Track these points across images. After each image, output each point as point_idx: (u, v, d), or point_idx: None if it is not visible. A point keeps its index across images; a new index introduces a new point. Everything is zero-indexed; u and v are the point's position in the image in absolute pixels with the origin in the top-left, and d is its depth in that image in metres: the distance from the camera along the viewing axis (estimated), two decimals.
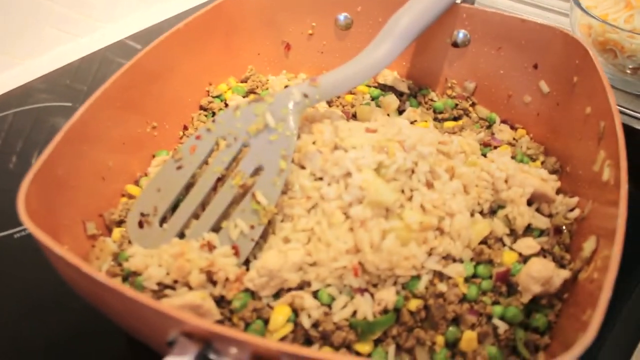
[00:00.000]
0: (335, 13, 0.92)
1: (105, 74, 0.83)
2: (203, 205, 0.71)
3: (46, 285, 0.76)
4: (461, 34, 0.88)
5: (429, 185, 0.67)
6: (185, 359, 0.47)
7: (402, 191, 0.66)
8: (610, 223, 0.58)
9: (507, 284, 0.65)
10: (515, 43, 0.85)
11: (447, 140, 0.72)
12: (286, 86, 0.86)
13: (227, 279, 0.63)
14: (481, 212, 0.71)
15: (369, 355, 0.61)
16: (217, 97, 0.91)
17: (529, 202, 0.72)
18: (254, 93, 0.92)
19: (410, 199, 0.66)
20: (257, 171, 0.69)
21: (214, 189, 0.71)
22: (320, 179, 0.68)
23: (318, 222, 0.65)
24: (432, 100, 0.91)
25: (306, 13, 0.93)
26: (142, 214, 0.72)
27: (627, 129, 0.67)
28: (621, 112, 0.96)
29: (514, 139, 0.86)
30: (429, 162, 0.67)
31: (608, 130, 0.67)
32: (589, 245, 0.62)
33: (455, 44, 0.89)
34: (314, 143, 0.71)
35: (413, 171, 0.67)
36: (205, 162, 0.73)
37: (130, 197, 0.77)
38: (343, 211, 0.65)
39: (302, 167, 0.70)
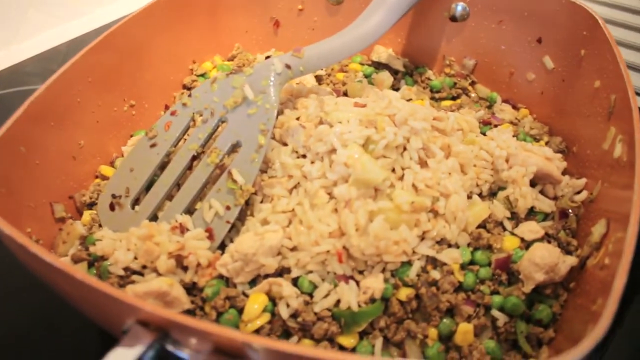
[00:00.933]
0: None
1: None
2: (178, 185, 0.64)
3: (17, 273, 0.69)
4: (460, 7, 0.81)
5: (422, 163, 0.60)
6: (136, 350, 0.40)
7: (393, 169, 0.59)
8: (622, 203, 0.50)
9: (507, 272, 0.57)
10: (517, 15, 0.77)
11: (442, 116, 0.65)
12: (267, 57, 0.79)
13: (198, 264, 0.56)
14: (480, 194, 0.64)
15: (354, 349, 0.53)
16: (202, 75, 0.84)
17: (533, 183, 0.64)
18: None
19: (401, 178, 0.59)
20: (234, 148, 0.62)
21: (190, 168, 0.64)
22: (304, 156, 0.61)
23: (300, 202, 0.58)
24: (428, 79, 0.84)
25: None
26: (114, 196, 0.65)
27: None
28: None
29: (516, 118, 0.79)
30: (422, 139, 0.60)
31: (620, 103, 0.60)
32: (598, 229, 0.55)
33: (453, 18, 0.82)
34: (297, 119, 0.64)
35: (405, 148, 0.60)
36: (183, 139, 0.66)
37: (104, 178, 0.71)
38: (327, 191, 0.58)
39: (284, 144, 0.63)
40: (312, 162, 0.60)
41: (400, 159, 0.59)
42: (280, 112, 0.65)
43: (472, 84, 0.84)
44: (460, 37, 0.83)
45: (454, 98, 0.82)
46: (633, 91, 0.58)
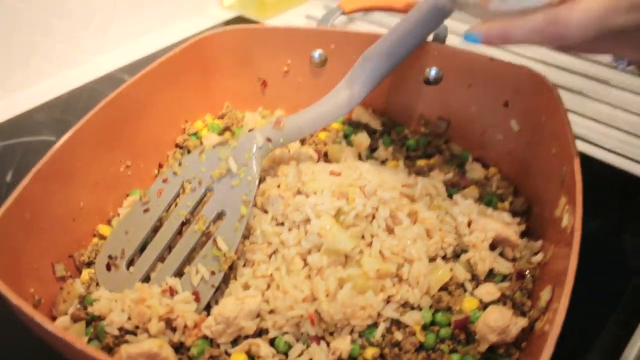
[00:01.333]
0: (310, 50, 0.93)
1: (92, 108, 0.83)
2: (170, 248, 0.72)
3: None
4: (433, 71, 0.88)
5: (390, 230, 0.68)
6: None
7: (363, 237, 0.67)
8: (563, 274, 0.57)
9: (465, 332, 0.64)
10: (485, 81, 0.85)
11: (411, 183, 0.72)
12: (250, 130, 0.87)
13: (185, 326, 0.64)
14: (445, 256, 0.71)
15: None
16: (194, 134, 0.92)
17: (494, 246, 0.72)
18: (229, 130, 0.92)
19: (370, 244, 0.66)
20: (219, 216, 0.69)
21: (180, 232, 0.72)
22: (282, 224, 0.68)
23: (277, 268, 0.65)
24: (405, 137, 0.91)
25: (281, 51, 0.94)
26: (110, 257, 0.73)
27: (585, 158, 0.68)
28: (580, 138, 0.97)
29: (485, 177, 0.86)
30: (390, 207, 0.67)
31: (568, 175, 0.67)
32: (545, 295, 0.62)
33: (427, 81, 0.89)
34: (278, 186, 0.72)
35: (374, 216, 0.67)
36: (174, 204, 0.74)
37: (102, 237, 0.78)
38: (302, 257, 0.65)
39: (265, 211, 0.70)
40: (290, 230, 0.67)
41: (369, 226, 0.67)
42: (262, 179, 0.73)
43: (446, 142, 0.91)
44: (435, 98, 0.91)
45: (428, 156, 0.90)
46: (579, 167, 0.65)
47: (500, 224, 0.71)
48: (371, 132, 0.92)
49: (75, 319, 0.68)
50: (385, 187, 0.68)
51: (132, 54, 1.35)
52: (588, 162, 0.88)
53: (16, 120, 1.15)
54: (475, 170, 0.87)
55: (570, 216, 0.63)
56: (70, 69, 1.30)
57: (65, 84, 1.25)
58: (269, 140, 0.71)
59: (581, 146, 0.97)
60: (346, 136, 0.90)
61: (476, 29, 0.54)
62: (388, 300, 0.64)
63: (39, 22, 1.19)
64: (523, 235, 0.76)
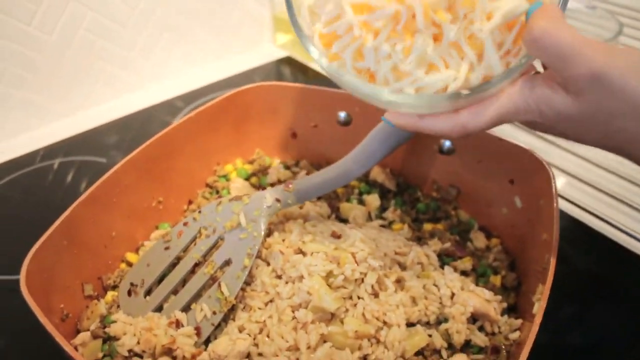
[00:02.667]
0: (336, 110, 1.03)
1: (148, 132, 0.93)
2: (184, 283, 0.83)
3: None
4: (447, 143, 0.97)
5: (375, 294, 0.76)
6: None
7: (351, 297, 0.76)
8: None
9: None
10: (493, 158, 0.92)
11: (404, 252, 0.81)
12: (264, 188, 0.98)
13: (184, 357, 0.74)
14: (428, 322, 0.79)
15: None
16: (223, 176, 1.03)
17: (475, 318, 0.79)
18: (256, 176, 1.03)
19: (355, 305, 0.75)
20: (226, 263, 0.80)
21: (192, 272, 0.83)
22: (280, 277, 0.78)
23: (270, 316, 0.76)
24: (417, 199, 1.00)
25: (311, 108, 1.04)
26: (132, 284, 0.85)
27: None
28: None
29: (487, 247, 0.93)
30: (378, 274, 0.76)
31: (547, 267, 0.74)
32: None
33: (441, 151, 0.98)
34: (283, 241, 0.82)
35: (363, 280, 0.76)
36: (192, 245, 0.85)
37: (129, 264, 0.90)
38: (293, 310, 0.75)
39: (268, 264, 0.80)
40: (286, 283, 0.77)
41: (357, 289, 0.76)
42: (270, 233, 0.83)
43: (455, 208, 0.99)
44: (447, 168, 0.99)
45: (437, 219, 0.98)
46: (555, 260, 0.72)
47: (481, 300, 0.78)
48: (386, 192, 1.01)
49: (94, 336, 0.80)
50: (375, 255, 0.77)
51: (188, 84, 1.49)
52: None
53: (75, 139, 1.31)
54: (478, 239, 0.95)
55: (538, 305, 0.70)
56: (130, 93, 1.45)
57: (124, 107, 1.40)
58: (277, 200, 0.81)
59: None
60: (361, 194, 1.00)
61: (390, 116, 0.63)
62: (364, 359, 0.73)
63: (104, 51, 1.35)
64: (510, 310, 0.83)
